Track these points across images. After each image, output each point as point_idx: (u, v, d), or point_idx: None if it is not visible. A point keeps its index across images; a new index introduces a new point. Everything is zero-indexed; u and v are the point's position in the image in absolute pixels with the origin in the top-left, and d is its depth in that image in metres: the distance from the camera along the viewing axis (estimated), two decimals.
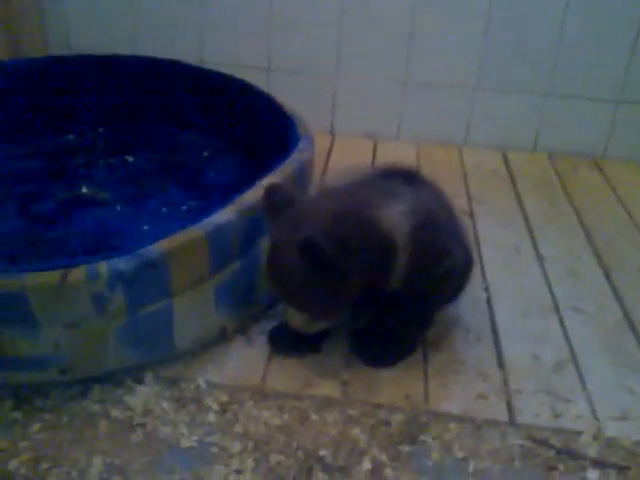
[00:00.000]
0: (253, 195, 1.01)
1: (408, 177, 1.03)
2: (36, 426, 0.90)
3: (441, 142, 1.88)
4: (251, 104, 1.45)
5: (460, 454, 0.90)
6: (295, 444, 0.89)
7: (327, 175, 1.62)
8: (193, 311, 0.98)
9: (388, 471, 0.87)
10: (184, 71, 1.57)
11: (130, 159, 1.53)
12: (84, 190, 1.40)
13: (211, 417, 0.93)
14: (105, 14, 1.84)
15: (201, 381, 0.98)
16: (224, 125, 1.55)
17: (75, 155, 1.52)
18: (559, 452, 0.91)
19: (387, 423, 0.94)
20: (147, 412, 0.93)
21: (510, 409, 0.98)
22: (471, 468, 0.88)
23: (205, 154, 1.55)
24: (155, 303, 0.93)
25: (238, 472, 0.85)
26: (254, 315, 1.11)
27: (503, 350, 1.09)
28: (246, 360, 1.03)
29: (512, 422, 0.96)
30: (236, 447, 0.88)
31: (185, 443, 0.89)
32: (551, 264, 1.34)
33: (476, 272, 1.18)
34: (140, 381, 0.97)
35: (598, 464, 0.89)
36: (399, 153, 1.80)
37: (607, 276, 1.31)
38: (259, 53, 1.84)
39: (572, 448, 0.92)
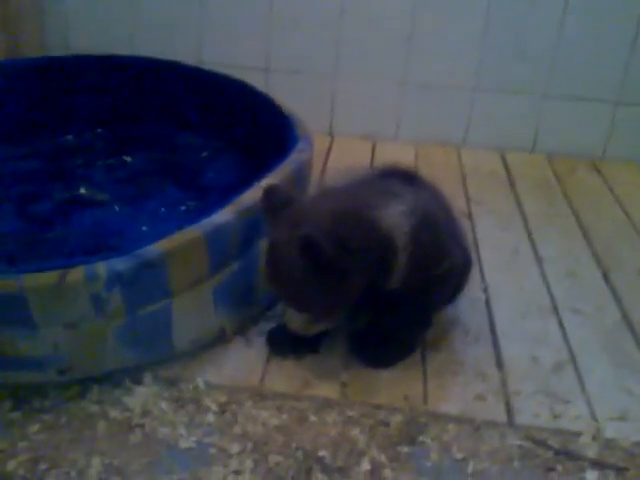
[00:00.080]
0: (252, 195, 1.01)
1: (407, 178, 1.03)
2: (35, 427, 0.89)
3: (440, 143, 1.88)
4: (250, 105, 1.45)
5: (459, 455, 0.90)
6: (294, 445, 0.89)
7: (326, 175, 1.62)
8: (192, 312, 0.98)
9: (387, 472, 0.86)
10: (183, 71, 1.56)
11: (129, 159, 1.53)
12: (83, 190, 1.40)
13: (210, 418, 0.92)
14: (104, 14, 1.84)
15: (200, 382, 0.98)
16: (223, 125, 1.54)
17: (74, 155, 1.52)
18: (558, 453, 0.91)
19: (386, 424, 0.94)
20: (146, 413, 0.92)
21: (509, 410, 0.98)
22: (470, 469, 0.88)
23: (204, 154, 1.54)
24: (154, 303, 0.93)
25: (237, 473, 0.85)
26: (253, 316, 1.11)
27: (502, 351, 1.09)
28: (245, 361, 1.03)
29: (511, 423, 0.96)
30: (235, 448, 0.88)
31: (184, 444, 0.88)
32: (550, 265, 1.34)
33: (475, 273, 1.18)
34: (139, 382, 0.97)
35: (597, 465, 0.89)
36: (398, 154, 1.80)
37: (606, 277, 1.31)
38: (258, 53, 1.84)
39: (571, 449, 0.92)
